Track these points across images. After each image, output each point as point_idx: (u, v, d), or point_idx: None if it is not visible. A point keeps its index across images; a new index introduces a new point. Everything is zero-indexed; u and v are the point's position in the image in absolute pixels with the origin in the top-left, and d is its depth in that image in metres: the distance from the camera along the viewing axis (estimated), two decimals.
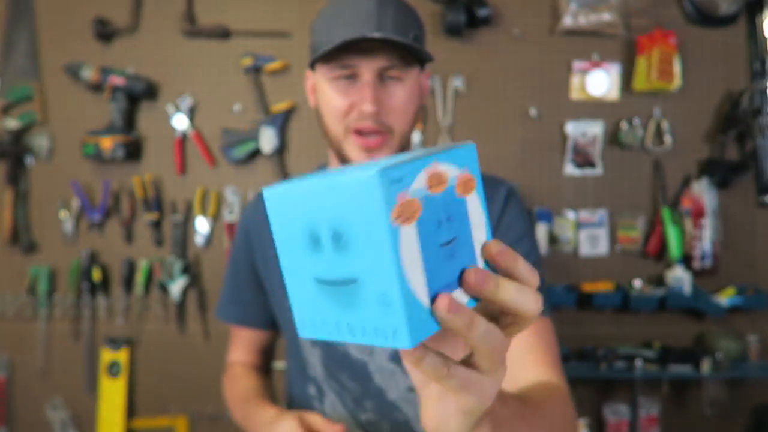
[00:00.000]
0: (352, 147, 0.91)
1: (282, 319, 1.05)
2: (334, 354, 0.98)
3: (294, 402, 1.08)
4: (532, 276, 0.45)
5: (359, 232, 0.39)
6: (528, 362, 0.79)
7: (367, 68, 0.87)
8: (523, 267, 0.45)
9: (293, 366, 1.06)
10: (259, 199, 1.11)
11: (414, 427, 0.96)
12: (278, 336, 1.16)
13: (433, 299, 0.41)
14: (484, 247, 0.45)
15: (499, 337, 0.43)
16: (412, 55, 0.89)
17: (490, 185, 1.00)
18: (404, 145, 0.94)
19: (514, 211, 0.97)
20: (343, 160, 0.94)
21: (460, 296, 0.43)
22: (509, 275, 0.45)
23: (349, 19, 0.85)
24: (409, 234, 0.39)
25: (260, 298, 1.09)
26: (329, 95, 0.90)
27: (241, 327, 1.12)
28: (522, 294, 0.44)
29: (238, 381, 1.08)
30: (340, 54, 0.87)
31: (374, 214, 0.38)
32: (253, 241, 1.08)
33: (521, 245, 0.94)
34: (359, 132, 0.89)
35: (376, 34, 0.82)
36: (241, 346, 1.14)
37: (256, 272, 1.09)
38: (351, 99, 0.89)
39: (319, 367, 1.01)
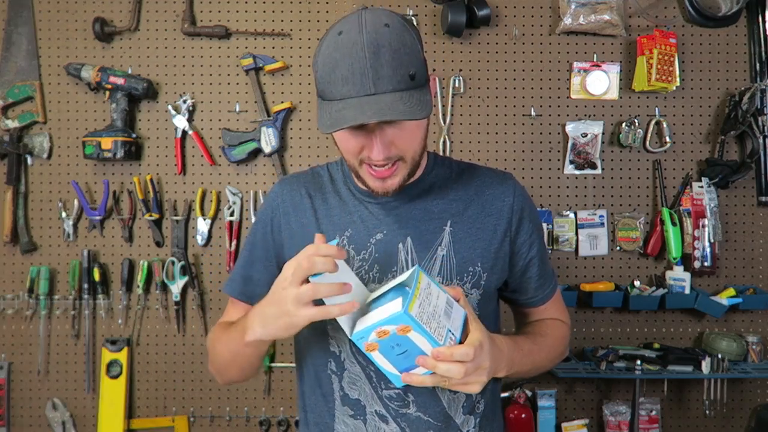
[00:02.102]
0: (366, 176, 0.98)
1: None
2: None
3: (307, 379, 1.09)
4: (462, 356, 0.82)
5: None
6: (550, 310, 1.17)
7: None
8: (456, 353, 0.82)
9: (313, 342, 1.07)
10: (293, 180, 1.13)
11: (439, 395, 1.02)
12: None
13: (402, 371, 0.87)
14: (432, 352, 0.82)
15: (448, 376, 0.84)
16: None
17: (502, 179, 1.11)
18: (417, 162, 1.00)
19: (531, 203, 1.13)
20: (362, 184, 1.03)
21: (420, 371, 0.85)
22: (449, 359, 0.82)
23: (346, 74, 0.88)
24: (377, 354, 0.85)
25: (268, 277, 1.07)
26: (339, 137, 0.97)
27: (241, 301, 1.12)
28: (451, 368, 0.82)
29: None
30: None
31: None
32: (279, 222, 1.09)
33: (539, 238, 1.13)
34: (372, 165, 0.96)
35: (374, 119, 0.85)
36: (234, 318, 1.10)
37: (273, 252, 1.09)
38: (360, 141, 0.94)
39: (346, 340, 1.02)
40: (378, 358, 0.86)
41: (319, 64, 0.93)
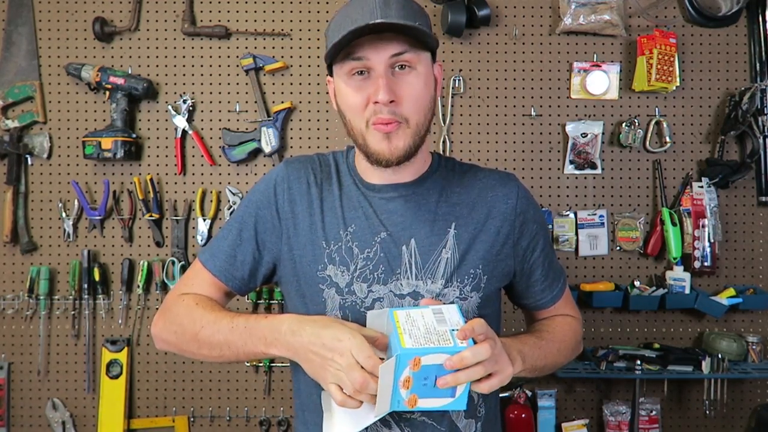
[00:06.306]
0: (373, 138, 0.96)
1: (305, 296, 1.03)
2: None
3: (304, 379, 1.05)
4: (474, 356, 0.81)
5: None
6: (561, 307, 1.16)
7: (378, 59, 0.93)
8: (465, 355, 0.80)
9: None
10: (299, 166, 1.09)
11: None
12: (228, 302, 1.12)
13: (450, 394, 0.83)
14: (446, 366, 0.81)
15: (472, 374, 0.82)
16: (420, 42, 0.95)
17: (505, 181, 1.11)
18: (422, 135, 0.99)
19: (534, 203, 1.14)
20: (368, 155, 0.98)
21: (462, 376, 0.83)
22: (461, 364, 0.81)
23: (356, 16, 0.92)
24: (423, 401, 0.83)
25: (252, 262, 1.06)
26: (346, 93, 0.97)
27: (217, 279, 1.07)
28: (475, 353, 0.81)
29: (210, 303, 1.03)
30: (351, 47, 0.93)
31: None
32: (284, 208, 1.06)
33: (544, 238, 1.12)
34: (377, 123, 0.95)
35: (379, 20, 0.89)
36: (203, 290, 1.08)
37: (267, 237, 1.06)
38: (366, 93, 0.95)
39: None
40: (427, 403, 0.84)
41: (330, 25, 0.98)
